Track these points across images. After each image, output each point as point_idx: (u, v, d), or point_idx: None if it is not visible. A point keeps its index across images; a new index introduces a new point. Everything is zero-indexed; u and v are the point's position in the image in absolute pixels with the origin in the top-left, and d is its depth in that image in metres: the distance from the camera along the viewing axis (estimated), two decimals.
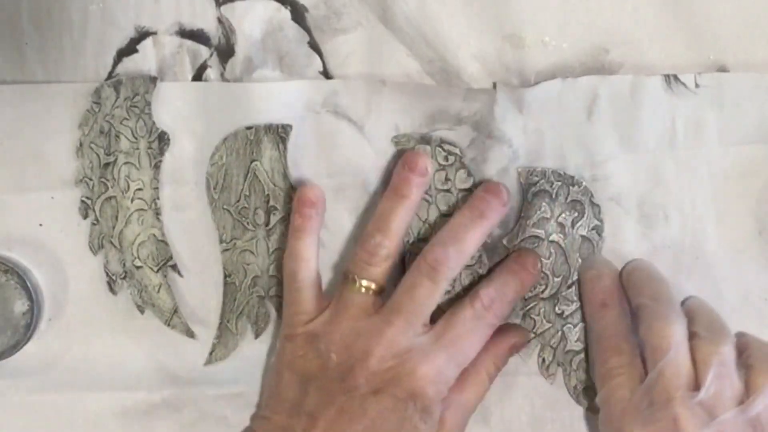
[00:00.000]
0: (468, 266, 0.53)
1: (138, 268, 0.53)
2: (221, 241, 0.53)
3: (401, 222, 0.50)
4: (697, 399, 0.45)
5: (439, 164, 0.53)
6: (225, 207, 0.53)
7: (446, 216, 0.53)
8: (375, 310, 0.49)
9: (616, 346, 0.49)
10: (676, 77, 0.53)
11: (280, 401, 0.49)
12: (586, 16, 0.54)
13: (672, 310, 0.49)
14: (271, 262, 0.53)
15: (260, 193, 0.53)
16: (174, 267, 0.53)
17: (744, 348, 0.48)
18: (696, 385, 0.46)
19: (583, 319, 0.53)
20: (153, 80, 0.53)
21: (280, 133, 0.53)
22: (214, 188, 0.53)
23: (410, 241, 0.53)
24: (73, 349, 0.54)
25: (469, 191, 0.53)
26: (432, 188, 0.53)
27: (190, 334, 0.54)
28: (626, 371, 0.48)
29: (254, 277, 0.53)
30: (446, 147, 0.53)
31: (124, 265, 0.53)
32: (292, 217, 0.51)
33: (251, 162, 0.53)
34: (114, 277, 0.53)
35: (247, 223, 0.53)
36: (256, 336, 0.54)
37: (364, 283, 0.50)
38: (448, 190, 0.53)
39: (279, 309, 0.53)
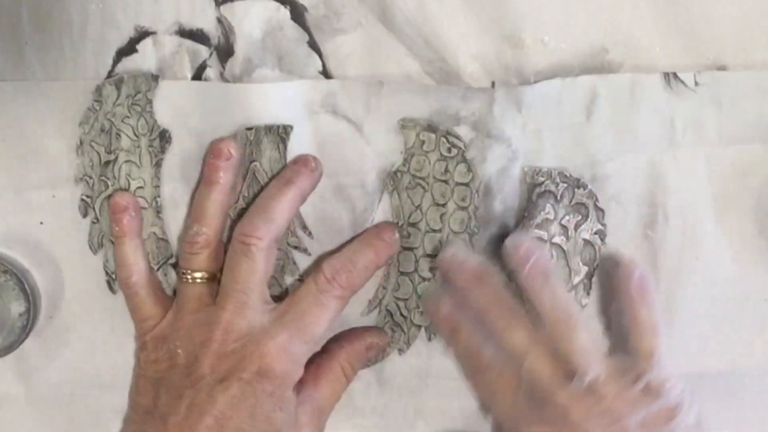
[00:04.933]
0: None
1: None
2: None
3: (215, 207, 0.50)
4: (577, 386, 0.46)
5: (441, 155, 0.53)
6: None
7: (439, 205, 0.53)
8: (213, 299, 0.49)
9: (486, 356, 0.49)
10: (675, 75, 0.53)
11: (136, 410, 0.49)
12: (585, 16, 0.53)
13: (511, 314, 0.48)
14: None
15: (258, 193, 0.52)
16: (174, 265, 0.53)
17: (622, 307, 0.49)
18: (569, 374, 0.46)
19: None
20: (155, 78, 0.52)
21: (280, 134, 0.52)
22: None
23: (400, 224, 0.53)
24: (73, 347, 0.53)
25: (466, 186, 0.53)
26: (430, 176, 0.53)
27: None
28: (502, 376, 0.48)
29: None
30: (451, 139, 0.53)
31: None
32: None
33: (251, 162, 0.52)
34: (113, 276, 0.53)
35: None
36: None
37: (194, 274, 0.49)
38: (445, 181, 0.53)
39: None
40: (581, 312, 0.48)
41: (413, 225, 0.53)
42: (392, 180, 0.53)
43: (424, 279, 0.53)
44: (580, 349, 0.46)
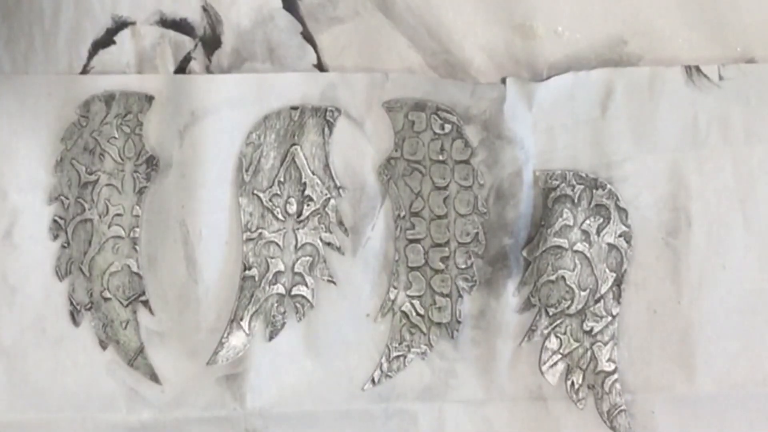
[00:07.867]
0: (463, 245, 0.51)
1: (106, 300, 0.52)
2: (245, 230, 0.52)
3: None
4: None
5: (435, 133, 0.52)
6: (255, 192, 0.51)
7: (440, 189, 0.51)
8: None
9: None
10: (698, 69, 0.52)
11: None
12: (602, 4, 0.52)
13: None
14: (298, 258, 0.52)
15: (296, 180, 0.51)
16: (145, 302, 0.51)
17: None
18: None
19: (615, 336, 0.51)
20: (149, 99, 0.52)
21: (327, 118, 0.51)
22: (246, 170, 0.51)
23: (402, 215, 0.52)
24: (39, 371, 0.51)
25: (466, 163, 0.51)
26: (425, 159, 0.52)
27: (154, 378, 0.51)
28: None
29: (277, 272, 0.51)
30: (443, 115, 0.52)
31: (91, 294, 0.52)
32: None
33: (291, 146, 0.52)
34: (78, 307, 0.52)
35: (278, 213, 0.51)
36: (270, 338, 0.51)
37: None
38: (443, 161, 0.52)
39: (301, 309, 0.51)
40: None
41: (416, 214, 0.52)
42: (386, 170, 0.52)
43: (436, 271, 0.51)
44: None
